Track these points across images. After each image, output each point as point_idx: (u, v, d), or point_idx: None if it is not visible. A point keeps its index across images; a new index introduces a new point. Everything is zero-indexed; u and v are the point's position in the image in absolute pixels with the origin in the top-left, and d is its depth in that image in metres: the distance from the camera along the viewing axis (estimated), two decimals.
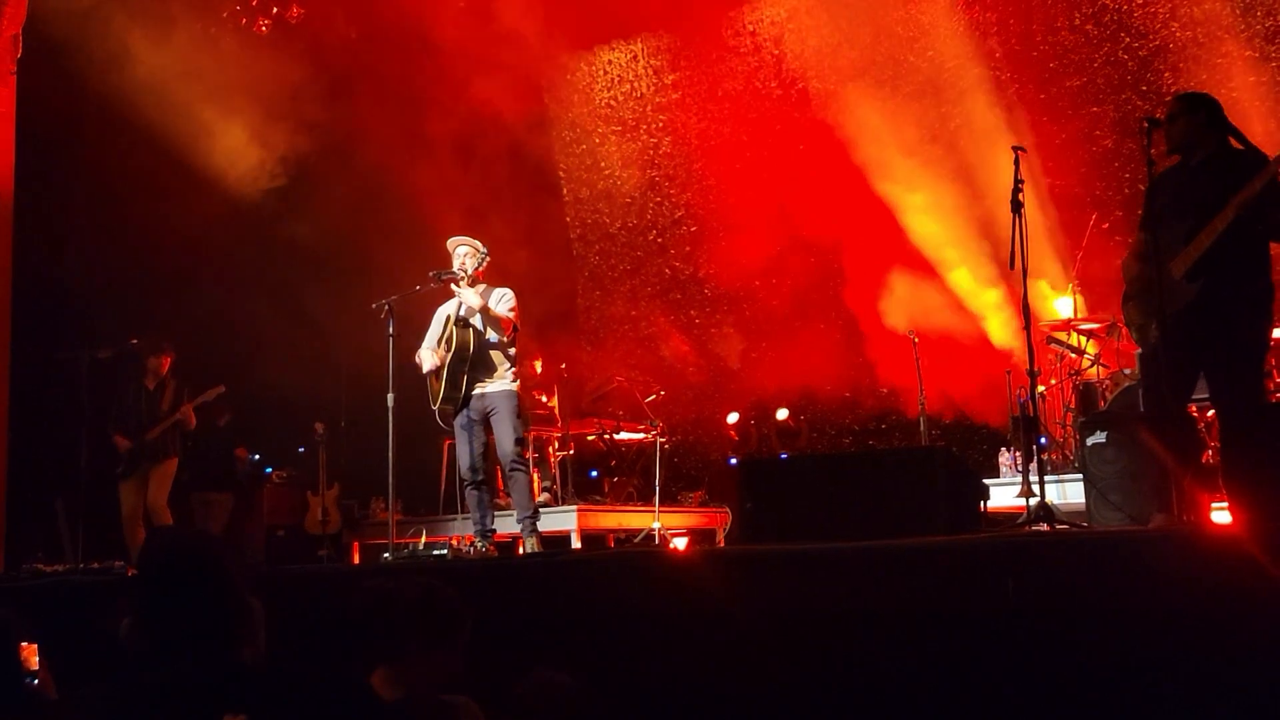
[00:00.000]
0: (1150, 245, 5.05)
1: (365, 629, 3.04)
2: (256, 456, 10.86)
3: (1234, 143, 5.17)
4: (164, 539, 2.35)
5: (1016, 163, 5.76)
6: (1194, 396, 5.38)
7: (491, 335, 7.12)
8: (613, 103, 12.81)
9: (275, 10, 10.77)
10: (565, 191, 13.29)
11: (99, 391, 8.49)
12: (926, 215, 10.33)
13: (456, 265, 7.12)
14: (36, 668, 3.46)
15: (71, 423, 8.39)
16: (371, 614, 3.06)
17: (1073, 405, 8.25)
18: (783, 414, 11.25)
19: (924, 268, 10.18)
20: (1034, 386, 5.98)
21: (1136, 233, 5.43)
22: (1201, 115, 5.16)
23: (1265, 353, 5.30)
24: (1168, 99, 9.61)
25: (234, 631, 2.15)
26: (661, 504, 9.16)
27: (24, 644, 3.48)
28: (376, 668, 2.98)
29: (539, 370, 10.14)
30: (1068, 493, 7.43)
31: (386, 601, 3.07)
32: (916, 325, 9.33)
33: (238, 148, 9.86)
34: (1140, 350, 5.83)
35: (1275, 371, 7.60)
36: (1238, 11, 9.55)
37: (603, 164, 12.88)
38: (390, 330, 7.11)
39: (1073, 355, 8.41)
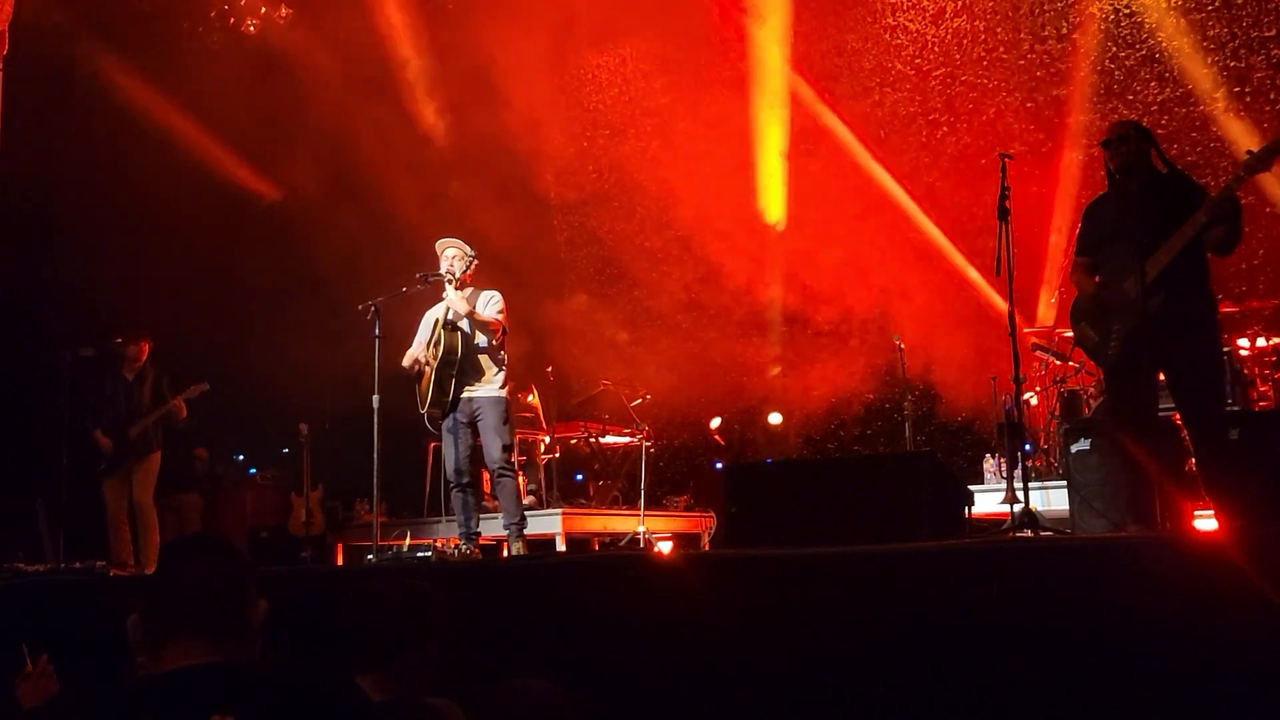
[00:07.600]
0: (1092, 269, 5.42)
1: (350, 636, 3.00)
2: (240, 456, 10.80)
3: (1160, 165, 5.41)
4: (189, 539, 2.35)
5: (1003, 169, 5.78)
6: (1161, 407, 5.49)
7: (480, 339, 7.09)
8: (601, 106, 12.78)
9: (263, 10, 10.75)
10: (553, 195, 13.26)
11: (80, 391, 8.43)
12: (917, 219, 10.36)
13: (444, 267, 7.09)
14: (31, 669, 3.44)
15: (52, 422, 8.33)
16: (355, 621, 3.02)
17: (1057, 412, 8.28)
18: (776, 419, 11.24)
19: (916, 271, 10.20)
20: (1019, 393, 6.00)
21: (1076, 256, 5.62)
22: (1148, 142, 5.42)
23: (1223, 360, 5.61)
24: (1153, 108, 9.75)
25: (242, 630, 2.15)
26: (646, 508, 9.16)
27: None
28: (362, 675, 2.95)
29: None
30: (1052, 499, 7.46)
31: (370, 607, 3.03)
32: (903, 329, 9.35)
33: (223, 147, 9.82)
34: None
35: (1259, 381, 7.66)
36: (1223, 22, 9.61)
37: (590, 168, 12.86)
38: (376, 331, 7.08)
39: (1057, 362, 8.44)
